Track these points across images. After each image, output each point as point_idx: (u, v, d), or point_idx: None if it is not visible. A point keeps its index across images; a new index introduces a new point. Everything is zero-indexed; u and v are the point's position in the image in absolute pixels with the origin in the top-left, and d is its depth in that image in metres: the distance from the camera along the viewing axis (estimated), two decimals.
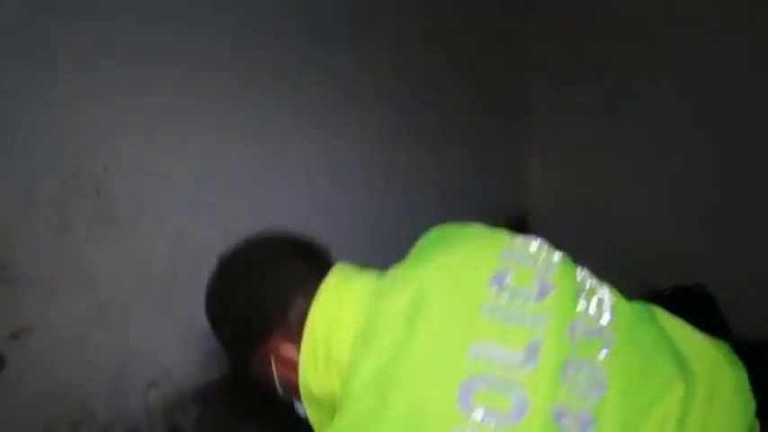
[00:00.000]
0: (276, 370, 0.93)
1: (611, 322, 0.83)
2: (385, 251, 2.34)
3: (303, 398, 0.91)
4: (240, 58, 1.74)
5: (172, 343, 1.71)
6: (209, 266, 1.71)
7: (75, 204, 1.46)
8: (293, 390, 0.92)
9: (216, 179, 1.73)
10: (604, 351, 0.79)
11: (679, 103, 2.38)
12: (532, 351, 0.77)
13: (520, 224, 2.99)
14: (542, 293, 0.84)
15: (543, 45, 2.76)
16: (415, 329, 0.80)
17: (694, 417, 0.76)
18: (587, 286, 0.88)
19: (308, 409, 0.91)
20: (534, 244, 0.94)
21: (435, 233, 1.01)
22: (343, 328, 0.86)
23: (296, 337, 0.89)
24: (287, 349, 0.91)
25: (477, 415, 0.72)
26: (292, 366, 0.90)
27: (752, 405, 0.83)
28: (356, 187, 2.18)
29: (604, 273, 2.69)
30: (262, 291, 0.93)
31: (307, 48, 1.90)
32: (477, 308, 0.81)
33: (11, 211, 1.36)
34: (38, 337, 1.42)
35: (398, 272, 0.91)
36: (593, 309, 0.84)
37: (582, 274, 0.92)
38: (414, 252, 0.97)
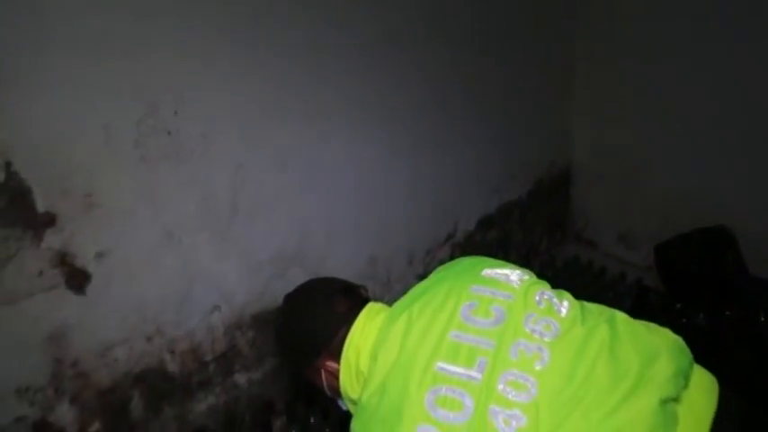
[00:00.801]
0: (324, 378, 1.29)
1: (552, 341, 1.07)
2: (438, 203, 2.46)
3: (344, 398, 1.27)
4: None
5: (233, 271, 1.87)
6: (266, 200, 1.87)
7: (149, 142, 1.60)
8: (336, 392, 1.28)
9: (272, 119, 1.86)
10: (539, 365, 1.04)
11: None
12: (481, 367, 1.06)
13: (564, 174, 3.08)
14: (497, 322, 1.11)
15: (589, 2, 2.78)
16: (401, 351, 1.12)
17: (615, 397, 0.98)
18: (542, 307, 1.14)
19: (345, 405, 1.28)
20: (512, 276, 1.22)
21: (435, 274, 1.33)
22: (365, 351, 1.19)
23: (338, 356, 1.24)
24: (331, 365, 1.26)
25: (439, 415, 1.03)
26: (335, 375, 1.26)
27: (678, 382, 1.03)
28: (406, 141, 2.28)
29: (638, 218, 2.73)
30: (314, 326, 1.28)
31: None
32: (446, 333, 1.11)
33: (95, 146, 1.51)
34: (117, 259, 1.60)
35: (400, 303, 1.25)
36: (539, 329, 1.10)
37: (539, 295, 1.16)
38: (415, 288, 1.29)
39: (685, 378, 1.06)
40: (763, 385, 1.54)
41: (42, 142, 1.42)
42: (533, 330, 1.10)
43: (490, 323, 1.11)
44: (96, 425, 1.67)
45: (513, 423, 1.00)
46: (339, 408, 1.43)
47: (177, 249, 1.72)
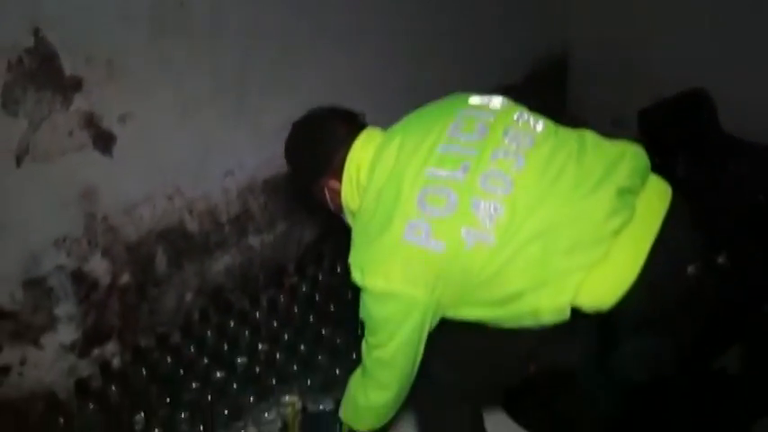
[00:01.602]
0: (328, 196, 1.41)
1: (527, 150, 1.22)
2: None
3: (345, 211, 1.40)
4: None
5: (245, 139, 2.00)
6: (277, 74, 1.97)
7: (164, 16, 1.69)
8: (338, 207, 1.41)
9: (280, 2, 1.93)
10: (515, 167, 1.20)
11: None
12: (465, 169, 1.20)
13: (561, 62, 3.15)
14: (480, 136, 1.25)
15: None
16: (396, 163, 1.26)
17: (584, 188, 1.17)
18: (519, 123, 1.28)
19: (347, 218, 1.40)
20: (494, 101, 1.35)
21: (426, 105, 1.42)
22: (365, 166, 1.32)
23: (339, 176, 1.35)
24: (334, 183, 1.38)
25: (428, 210, 1.18)
26: (338, 193, 1.38)
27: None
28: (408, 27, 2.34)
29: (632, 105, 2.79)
30: (318, 147, 1.40)
31: None
32: (435, 146, 1.24)
33: (113, 20, 1.60)
34: (139, 122, 1.72)
35: (395, 127, 1.36)
36: (516, 140, 1.24)
37: (518, 115, 1.30)
38: (409, 115, 1.40)
39: (642, 178, 1.22)
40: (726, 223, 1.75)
41: (66, 11, 1.51)
42: (511, 141, 1.24)
43: (474, 137, 1.25)
44: (126, 277, 1.84)
45: (493, 213, 1.16)
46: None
47: (194, 116, 1.83)
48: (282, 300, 2.05)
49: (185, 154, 1.86)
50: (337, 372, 1.75)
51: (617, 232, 1.14)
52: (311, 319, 1.94)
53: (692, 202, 1.25)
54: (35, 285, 1.65)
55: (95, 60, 1.59)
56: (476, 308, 1.23)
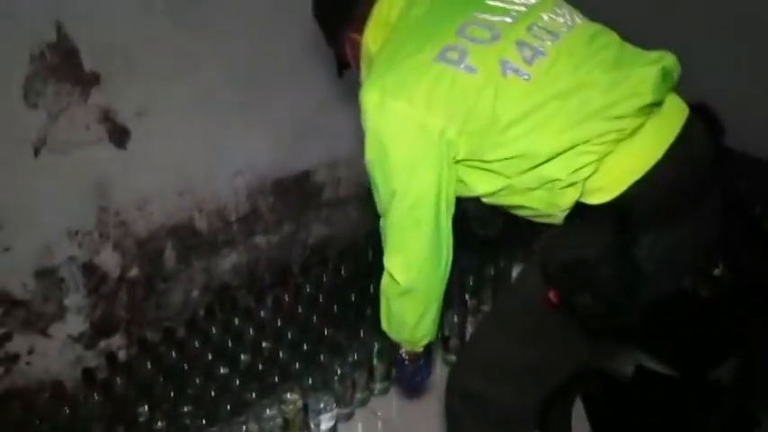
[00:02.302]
0: (348, 49, 1.37)
1: (576, 22, 1.22)
2: None
3: (362, 63, 1.33)
4: None
5: (256, 138, 2.03)
6: (287, 71, 1.99)
7: (182, 10, 1.72)
8: (356, 61, 1.36)
9: None
10: (564, 28, 1.19)
11: None
12: (513, 16, 1.18)
13: None
14: (526, 5, 1.22)
15: None
16: (432, 7, 1.22)
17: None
18: (564, 9, 1.25)
19: (361, 71, 1.35)
20: None
21: None
22: (397, 7, 1.25)
23: (362, 27, 1.30)
24: (355, 36, 1.32)
25: (467, 37, 1.14)
26: (357, 46, 1.33)
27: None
28: None
29: None
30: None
31: None
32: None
33: (133, 15, 1.64)
34: (154, 118, 1.75)
35: None
36: (565, 14, 1.23)
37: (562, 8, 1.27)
38: None
39: (673, 81, 1.20)
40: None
41: (88, 7, 1.55)
42: (561, 10, 1.23)
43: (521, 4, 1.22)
44: (135, 270, 1.88)
45: (535, 55, 1.13)
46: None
47: (207, 113, 1.87)
48: (287, 299, 2.08)
49: (197, 152, 1.90)
50: (338, 371, 1.77)
51: (650, 112, 1.14)
52: (314, 320, 1.96)
53: None
54: (47, 275, 1.68)
55: (114, 56, 1.63)
56: (490, 176, 1.17)
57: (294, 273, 2.29)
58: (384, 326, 1.37)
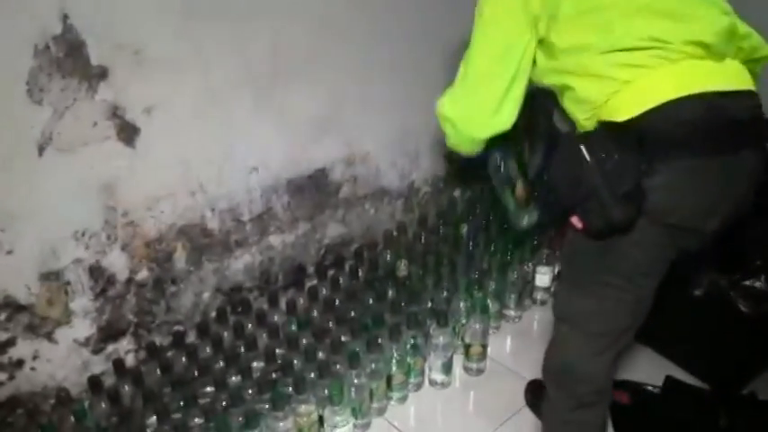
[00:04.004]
0: None
1: None
2: None
3: None
4: None
5: (271, 135, 1.94)
6: (304, 67, 1.91)
7: (196, 1, 1.64)
8: None
9: None
10: None
11: None
12: None
13: None
14: None
15: None
16: None
17: None
18: None
19: None
20: None
21: None
22: None
23: None
24: None
25: None
26: None
27: None
28: (439, 14, 2.28)
29: None
30: None
31: None
32: None
33: (144, 6, 1.55)
34: (164, 114, 1.67)
35: None
36: None
37: None
38: None
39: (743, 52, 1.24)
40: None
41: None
42: None
43: None
44: (144, 273, 1.80)
45: None
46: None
47: (220, 109, 1.78)
48: (302, 302, 2.00)
49: (210, 149, 1.81)
50: (355, 380, 1.70)
51: (703, 56, 1.15)
52: (330, 325, 1.88)
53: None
54: (52, 278, 1.61)
55: (123, 48, 1.54)
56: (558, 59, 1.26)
57: (309, 273, 2.22)
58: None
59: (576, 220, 1.21)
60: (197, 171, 1.81)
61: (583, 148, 1.12)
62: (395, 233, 2.28)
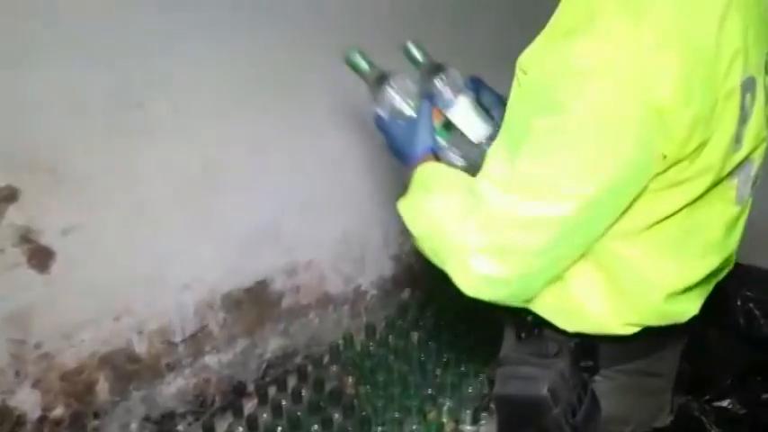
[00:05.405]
0: None
1: None
2: None
3: None
4: None
5: (205, 249, 1.81)
6: (239, 178, 1.81)
7: (119, 115, 1.53)
8: None
9: (244, 93, 1.79)
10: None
11: None
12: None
13: None
14: None
15: None
16: None
17: None
18: None
19: None
20: None
21: None
22: None
23: None
24: None
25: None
26: None
27: None
28: None
29: None
30: None
31: None
32: None
33: (62, 118, 1.43)
34: (84, 235, 1.52)
35: None
36: None
37: None
38: None
39: None
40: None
41: (3, 111, 1.33)
42: None
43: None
44: (59, 409, 1.60)
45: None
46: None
47: (148, 226, 1.65)
48: (240, 430, 1.81)
49: (138, 268, 1.66)
50: None
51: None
52: None
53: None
54: None
55: (37, 167, 1.41)
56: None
57: (249, 392, 2.04)
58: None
59: None
60: (122, 293, 1.65)
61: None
62: (341, 346, 2.14)
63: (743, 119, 0.84)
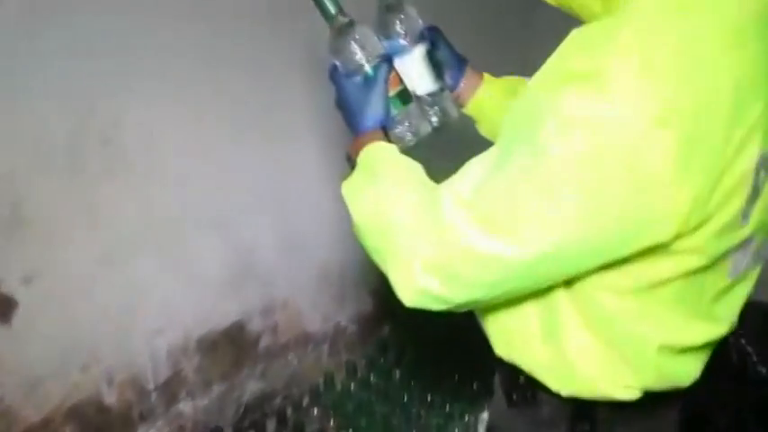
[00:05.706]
0: None
1: None
2: None
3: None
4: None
5: (178, 291, 1.74)
6: (213, 217, 1.76)
7: (84, 153, 1.47)
8: None
9: (218, 129, 1.74)
10: None
11: None
12: None
13: None
14: None
15: None
16: None
17: None
18: None
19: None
20: None
21: None
22: None
23: None
24: None
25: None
26: None
27: None
28: None
29: None
30: None
31: None
32: None
33: (23, 156, 1.36)
34: (49, 282, 1.44)
35: None
36: None
37: None
38: None
39: None
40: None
41: None
42: None
43: None
44: None
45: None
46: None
47: (117, 270, 1.58)
48: None
49: (106, 315, 1.58)
50: None
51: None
52: None
53: None
54: None
55: None
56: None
57: None
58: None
59: None
60: (90, 341, 1.57)
61: None
62: (321, 387, 2.06)
63: (753, 197, 0.79)
